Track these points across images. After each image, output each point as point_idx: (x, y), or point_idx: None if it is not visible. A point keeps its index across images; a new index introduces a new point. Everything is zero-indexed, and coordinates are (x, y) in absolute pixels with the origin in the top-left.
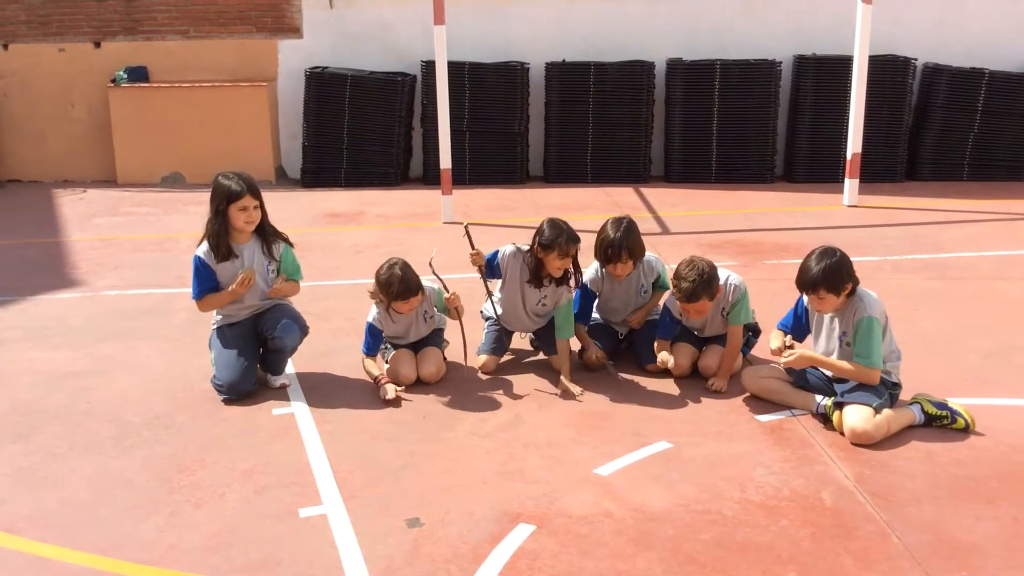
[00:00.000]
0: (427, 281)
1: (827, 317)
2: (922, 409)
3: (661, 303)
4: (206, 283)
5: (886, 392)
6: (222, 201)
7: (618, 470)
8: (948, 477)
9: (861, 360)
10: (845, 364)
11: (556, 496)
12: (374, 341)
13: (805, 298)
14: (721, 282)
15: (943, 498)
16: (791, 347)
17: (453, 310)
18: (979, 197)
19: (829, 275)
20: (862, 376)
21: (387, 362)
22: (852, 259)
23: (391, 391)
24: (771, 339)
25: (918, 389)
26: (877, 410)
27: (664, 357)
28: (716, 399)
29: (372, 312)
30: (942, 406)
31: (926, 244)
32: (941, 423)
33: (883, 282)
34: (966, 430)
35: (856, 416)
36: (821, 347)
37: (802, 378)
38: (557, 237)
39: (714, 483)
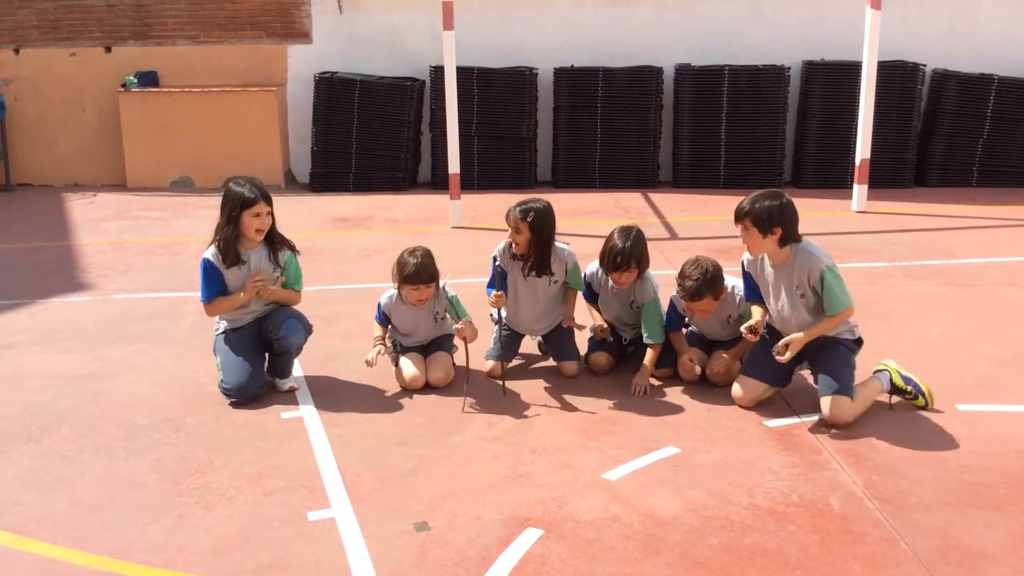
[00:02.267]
0: (444, 285)
1: (770, 275)
2: (890, 379)
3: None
4: (215, 286)
5: (855, 352)
6: (235, 207)
7: (626, 475)
8: (957, 483)
9: (832, 312)
10: (825, 325)
11: (564, 501)
12: (380, 317)
13: (745, 258)
14: (728, 290)
15: (952, 504)
16: (757, 330)
17: (462, 339)
18: (988, 203)
19: (759, 211)
20: (841, 319)
21: (397, 365)
22: (861, 265)
23: (373, 354)
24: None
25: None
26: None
27: (687, 366)
28: (724, 405)
29: (387, 294)
30: (908, 380)
31: (935, 250)
32: (904, 396)
33: (892, 288)
34: (924, 408)
35: (832, 405)
36: (774, 304)
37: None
38: (509, 211)
39: (722, 488)
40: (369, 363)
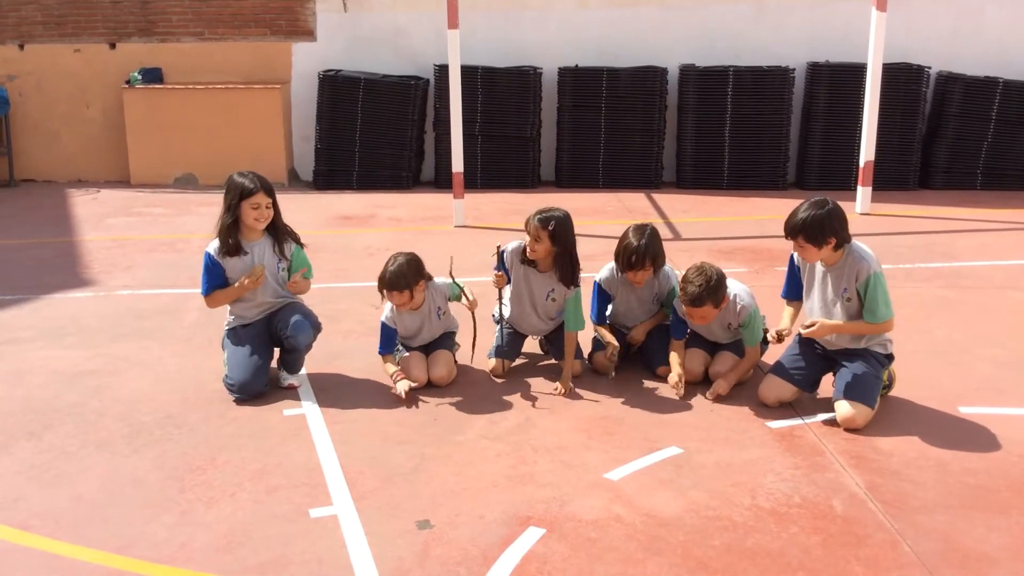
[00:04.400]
0: (440, 280)
1: (819, 273)
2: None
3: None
4: (215, 279)
5: (885, 366)
6: (235, 197)
7: (628, 475)
8: (960, 486)
9: (871, 318)
10: (860, 325)
11: (566, 500)
12: (388, 340)
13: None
14: (729, 297)
15: (954, 507)
16: (783, 337)
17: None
18: (992, 206)
19: (811, 226)
20: (878, 330)
21: (398, 365)
22: None
23: (403, 387)
24: (784, 315)
25: (930, 398)
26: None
27: (673, 379)
28: (727, 405)
29: (386, 310)
30: (889, 376)
31: (939, 253)
32: (884, 391)
33: (895, 290)
34: (889, 388)
35: (856, 412)
36: (816, 302)
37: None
38: (529, 219)
39: (724, 489)
40: (402, 396)
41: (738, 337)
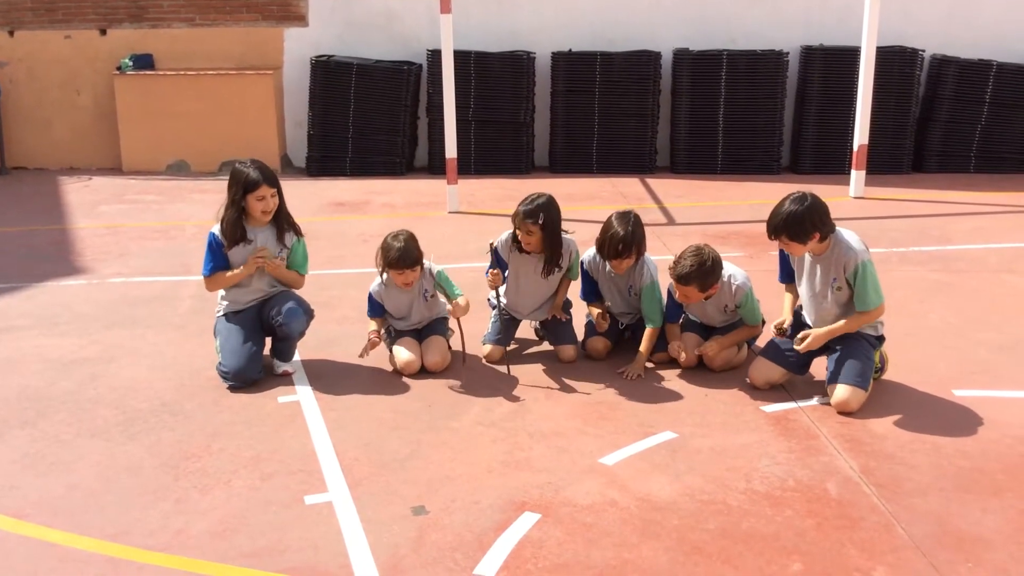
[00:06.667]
0: (428, 263)
1: (807, 261)
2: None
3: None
4: (218, 260)
5: (876, 348)
6: (239, 190)
7: (623, 460)
8: (954, 469)
9: (862, 305)
10: (853, 322)
11: (561, 485)
12: (374, 309)
13: None
14: (724, 279)
15: (949, 490)
16: (788, 332)
17: (455, 318)
18: (986, 189)
19: (792, 224)
20: (870, 318)
21: (391, 350)
22: None
23: (371, 339)
24: (785, 303)
25: (925, 382)
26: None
27: (675, 349)
28: (722, 390)
29: (375, 283)
30: (881, 359)
31: (933, 236)
32: (876, 375)
33: (889, 274)
34: (882, 371)
35: (850, 396)
36: (806, 290)
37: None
38: (515, 213)
39: (719, 473)
40: (361, 355)
41: (734, 320)
